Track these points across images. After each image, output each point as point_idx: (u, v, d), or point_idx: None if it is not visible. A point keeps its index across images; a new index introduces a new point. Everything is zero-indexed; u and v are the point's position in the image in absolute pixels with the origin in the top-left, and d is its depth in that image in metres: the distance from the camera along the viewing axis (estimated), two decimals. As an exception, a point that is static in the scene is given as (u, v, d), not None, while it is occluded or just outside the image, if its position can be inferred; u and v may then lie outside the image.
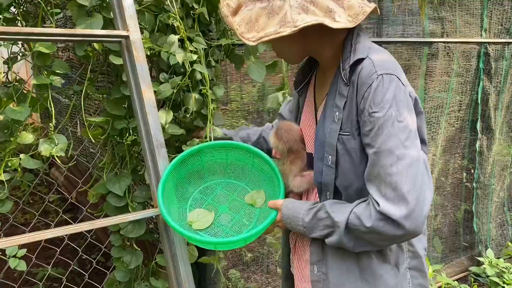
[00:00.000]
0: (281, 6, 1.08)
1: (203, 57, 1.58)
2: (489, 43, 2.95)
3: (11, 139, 1.63)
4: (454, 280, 3.00)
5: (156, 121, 1.45)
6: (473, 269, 3.14)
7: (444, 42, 2.72)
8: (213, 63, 1.67)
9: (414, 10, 2.51)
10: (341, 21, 1.08)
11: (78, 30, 1.40)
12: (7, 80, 1.66)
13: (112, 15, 1.52)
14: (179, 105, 1.68)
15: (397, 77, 1.07)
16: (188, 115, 1.62)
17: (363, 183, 1.13)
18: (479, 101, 3.07)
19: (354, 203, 1.14)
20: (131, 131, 1.73)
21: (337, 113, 1.17)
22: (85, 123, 1.70)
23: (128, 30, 1.42)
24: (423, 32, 2.64)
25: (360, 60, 1.12)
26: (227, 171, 1.53)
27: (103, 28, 1.53)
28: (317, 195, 1.30)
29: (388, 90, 1.06)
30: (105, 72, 1.75)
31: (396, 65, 1.13)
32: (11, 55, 1.66)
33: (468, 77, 2.99)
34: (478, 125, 3.10)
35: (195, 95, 1.61)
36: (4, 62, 1.67)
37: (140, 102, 1.46)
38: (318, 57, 1.29)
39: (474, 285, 2.98)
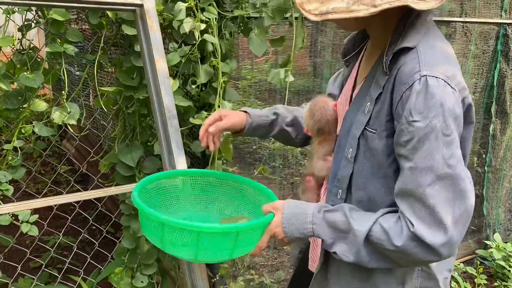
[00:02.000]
0: None
1: (215, 28, 1.56)
2: (508, 24, 2.88)
3: (25, 106, 1.64)
4: (460, 263, 3.01)
5: (168, 91, 1.45)
6: (480, 252, 3.14)
7: (462, 22, 2.66)
8: (226, 36, 1.65)
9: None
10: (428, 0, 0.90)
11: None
12: (21, 48, 1.66)
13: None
14: (190, 77, 1.68)
15: (446, 81, 0.90)
16: (195, 87, 1.61)
17: (378, 192, 1.02)
18: (494, 84, 3.02)
19: (379, 213, 0.99)
20: (140, 101, 1.73)
21: (369, 103, 1.02)
22: (98, 93, 1.71)
23: (142, -2, 1.41)
24: (441, 11, 2.58)
25: (407, 49, 0.95)
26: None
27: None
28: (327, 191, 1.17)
29: (434, 95, 0.89)
30: (118, 43, 1.74)
31: (450, 63, 0.95)
32: (25, 22, 1.66)
33: (485, 59, 2.93)
34: (493, 109, 3.05)
35: (205, 67, 1.59)
36: (19, 29, 1.67)
37: (153, 72, 1.45)
38: (370, 31, 1.11)
39: (480, 267, 2.98)
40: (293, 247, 1.50)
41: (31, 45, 1.67)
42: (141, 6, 1.40)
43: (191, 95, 1.72)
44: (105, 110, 1.73)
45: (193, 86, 1.63)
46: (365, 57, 1.16)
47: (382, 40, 1.03)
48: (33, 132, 1.65)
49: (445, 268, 1.10)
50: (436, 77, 0.90)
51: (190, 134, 1.85)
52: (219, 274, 1.98)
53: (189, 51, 1.56)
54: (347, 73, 1.24)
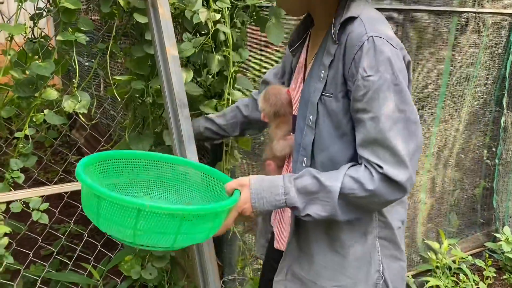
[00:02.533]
0: None
1: (227, 17, 1.56)
2: (522, 15, 2.84)
3: (36, 95, 1.65)
4: (468, 255, 3.00)
5: (179, 80, 1.45)
6: (489, 244, 3.13)
7: (475, 12, 2.62)
8: (238, 25, 1.65)
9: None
10: None
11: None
12: (32, 36, 1.66)
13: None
14: (202, 67, 1.67)
15: (388, 41, 1.05)
16: (211, 76, 1.61)
17: (339, 149, 1.13)
18: (506, 76, 2.99)
19: (344, 167, 1.10)
20: (152, 91, 1.73)
21: (323, 71, 1.14)
22: (110, 82, 1.71)
23: (154, -13, 1.40)
24: (453, 1, 2.55)
25: (352, 19, 1.09)
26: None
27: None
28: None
29: (382, 52, 1.03)
30: (129, 33, 1.74)
31: (387, 28, 1.10)
32: (37, 11, 1.66)
33: (497, 50, 2.90)
34: (504, 100, 3.02)
35: (218, 56, 1.59)
36: (30, 18, 1.67)
37: (164, 61, 1.45)
38: (314, 13, 1.24)
39: (488, 260, 2.97)
40: (258, 237, 1.53)
41: (43, 34, 1.68)
42: (152, -6, 1.40)
43: (201, 84, 1.72)
44: (118, 99, 1.73)
45: (209, 76, 1.63)
46: (311, 42, 1.30)
47: (327, 19, 1.17)
48: (44, 121, 1.66)
49: (397, 218, 1.23)
50: (380, 37, 1.04)
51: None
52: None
53: (203, 41, 1.56)
54: (294, 62, 1.36)
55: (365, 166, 1.06)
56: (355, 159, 1.12)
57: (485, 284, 2.83)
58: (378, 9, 2.27)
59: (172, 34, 1.43)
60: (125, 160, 1.22)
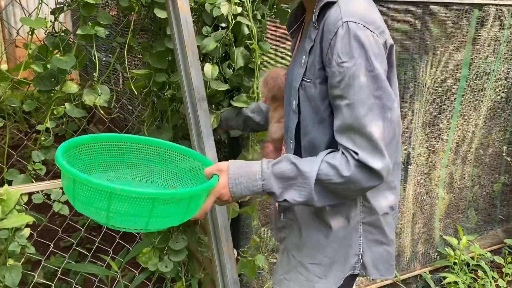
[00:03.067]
0: None
1: (250, 10, 1.56)
2: (544, 7, 2.78)
3: (56, 88, 1.67)
4: (487, 252, 2.96)
5: (198, 73, 1.45)
6: (508, 241, 3.08)
7: (496, 4, 2.57)
8: (258, 17, 1.65)
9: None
10: None
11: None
12: (53, 30, 1.68)
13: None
14: (223, 60, 1.68)
15: (364, 25, 1.03)
16: (233, 70, 1.62)
17: (318, 134, 1.14)
18: (528, 70, 2.93)
19: (321, 154, 1.10)
20: (172, 85, 1.74)
21: (304, 57, 1.15)
22: (128, 76, 1.73)
23: (173, -20, 1.41)
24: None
25: (330, 4, 1.09)
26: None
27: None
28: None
29: (356, 38, 1.02)
30: (147, 27, 1.75)
31: (368, 12, 1.08)
32: (58, 5, 1.68)
33: (518, 44, 2.84)
34: (525, 95, 2.96)
35: (241, 50, 1.59)
36: (51, 12, 1.70)
37: (183, 54, 1.46)
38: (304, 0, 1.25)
39: (508, 257, 2.93)
40: (272, 223, 1.54)
41: (63, 28, 1.70)
42: (171, -13, 1.41)
43: (225, 77, 1.72)
44: (135, 94, 1.75)
45: (229, 70, 1.64)
46: (305, 26, 1.29)
47: (312, 3, 1.15)
48: (65, 114, 1.68)
49: (385, 204, 1.23)
50: (355, 22, 1.03)
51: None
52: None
53: (224, 35, 1.56)
54: (292, 44, 1.37)
55: (342, 152, 1.07)
56: (334, 145, 1.12)
57: (504, 281, 2.79)
58: (396, 2, 2.27)
59: (191, 28, 1.43)
60: (113, 143, 1.23)
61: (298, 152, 1.23)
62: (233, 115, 1.66)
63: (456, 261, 2.76)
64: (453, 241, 2.82)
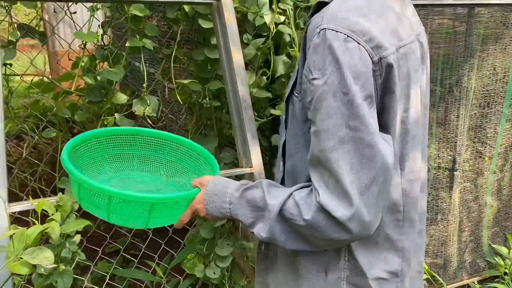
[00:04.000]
0: None
1: (292, 18, 1.57)
2: None
3: (106, 99, 1.73)
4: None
5: (244, 82, 1.47)
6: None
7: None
8: (301, 25, 1.66)
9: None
10: None
11: (171, -8, 1.44)
12: (102, 43, 1.75)
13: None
14: (257, 69, 1.70)
15: (349, 35, 0.81)
16: (275, 78, 1.64)
17: (300, 159, 0.96)
18: None
19: (294, 187, 0.93)
20: (217, 93, 1.77)
21: (297, 66, 0.96)
22: (173, 86, 1.77)
23: (219, -8, 1.43)
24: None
25: (324, 4, 0.90)
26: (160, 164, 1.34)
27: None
28: None
29: (331, 50, 0.81)
30: (192, 37, 1.79)
31: (367, 18, 0.84)
32: (106, 19, 1.75)
33: None
34: None
35: (282, 58, 1.60)
36: (100, 26, 1.76)
37: (229, 64, 1.48)
38: None
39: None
40: None
41: (112, 41, 1.76)
42: (218, 0, 1.43)
43: (268, 85, 1.74)
44: (179, 103, 1.79)
45: (270, 78, 1.66)
46: None
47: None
48: (114, 124, 1.74)
49: (379, 266, 0.96)
50: (336, 31, 0.81)
51: (266, 126, 1.87)
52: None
53: (264, 43, 1.58)
54: None
55: (311, 190, 0.88)
56: None
57: (559, 292, 2.66)
58: (441, 5, 2.22)
59: (237, 38, 1.46)
60: (120, 136, 1.29)
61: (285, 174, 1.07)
62: None
63: (507, 271, 2.66)
64: (503, 250, 2.71)
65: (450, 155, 2.52)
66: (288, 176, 1.03)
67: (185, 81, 1.72)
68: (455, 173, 2.54)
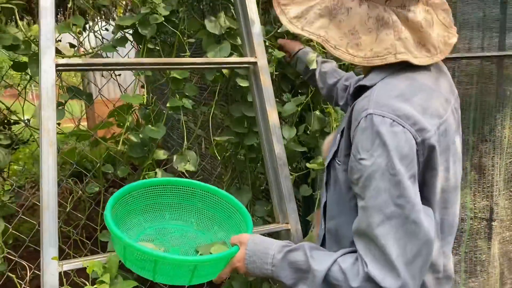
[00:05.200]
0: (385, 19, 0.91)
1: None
2: None
3: (148, 155, 1.82)
4: None
5: (279, 140, 1.53)
6: None
7: None
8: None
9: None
10: (420, 56, 0.95)
11: (212, 59, 1.55)
12: (144, 103, 1.86)
13: (239, 41, 1.65)
14: (299, 123, 1.77)
15: (395, 120, 0.89)
16: (309, 133, 1.70)
17: (343, 223, 1.01)
18: None
19: (338, 253, 0.98)
20: (251, 148, 1.84)
21: (339, 135, 1.05)
22: (210, 140, 1.85)
23: (256, 57, 1.52)
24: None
25: (365, 88, 0.98)
26: (191, 215, 1.40)
27: (229, 53, 1.68)
28: None
29: (379, 134, 0.88)
30: (229, 93, 1.89)
31: (410, 103, 0.91)
32: (147, 80, 1.87)
33: None
34: None
35: (317, 114, 1.67)
36: (142, 87, 1.88)
37: (264, 122, 1.55)
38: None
39: None
40: None
41: (153, 100, 1.87)
42: (255, 63, 1.52)
43: (298, 140, 1.80)
44: (216, 157, 1.86)
45: (305, 132, 1.73)
46: None
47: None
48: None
49: None
50: (382, 116, 0.89)
51: (298, 177, 1.92)
52: None
53: (304, 100, 1.67)
54: None
55: (357, 258, 0.94)
56: None
57: None
58: (469, 57, 2.26)
59: (272, 99, 1.53)
60: (151, 188, 1.35)
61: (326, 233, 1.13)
62: (304, 65, 1.62)
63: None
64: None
65: (487, 205, 2.47)
66: (331, 236, 1.09)
67: (223, 138, 1.79)
68: (493, 223, 2.48)
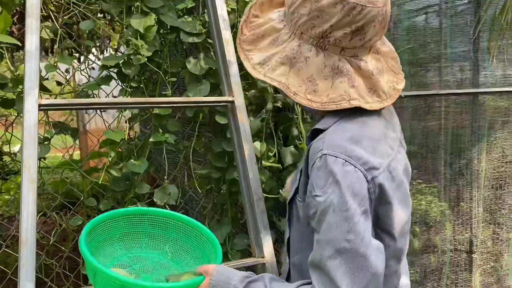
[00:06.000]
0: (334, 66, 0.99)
1: (299, 114, 1.72)
2: None
3: (130, 188, 1.87)
4: None
5: (256, 177, 1.58)
6: None
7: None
8: (308, 119, 1.80)
9: (513, 59, 2.46)
10: (372, 101, 1.01)
11: (192, 98, 1.63)
12: (128, 138, 1.92)
13: (219, 80, 1.73)
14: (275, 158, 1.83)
15: (347, 160, 0.95)
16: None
17: (306, 257, 1.05)
18: None
19: (295, 284, 1.03)
20: (232, 181, 1.89)
21: (298, 175, 1.10)
22: (192, 174, 1.90)
23: (233, 96, 1.60)
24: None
25: (319, 131, 1.04)
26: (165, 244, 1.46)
27: (210, 91, 1.75)
28: None
29: (332, 172, 0.94)
30: (210, 129, 1.96)
31: (359, 145, 0.98)
32: (132, 115, 1.94)
33: None
34: None
35: (290, 149, 1.74)
36: (127, 122, 1.95)
37: (241, 158, 1.60)
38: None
39: None
40: None
41: (137, 135, 1.93)
42: (232, 102, 1.59)
43: (275, 174, 1.86)
44: (199, 191, 1.91)
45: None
46: None
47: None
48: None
49: None
50: (335, 156, 0.95)
51: (277, 209, 1.97)
52: None
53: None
54: None
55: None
56: None
57: None
58: (443, 95, 2.36)
59: (249, 136, 1.59)
60: (129, 216, 1.40)
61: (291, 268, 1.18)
62: None
63: None
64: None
65: (467, 237, 2.52)
66: (294, 270, 1.14)
67: (203, 171, 1.85)
68: (473, 255, 2.52)
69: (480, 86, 2.45)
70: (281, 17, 1.05)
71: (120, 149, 1.89)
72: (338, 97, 0.99)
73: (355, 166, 0.95)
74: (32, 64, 1.34)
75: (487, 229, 2.59)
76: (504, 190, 2.57)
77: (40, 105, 1.33)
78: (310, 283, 1.00)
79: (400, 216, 1.04)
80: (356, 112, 1.02)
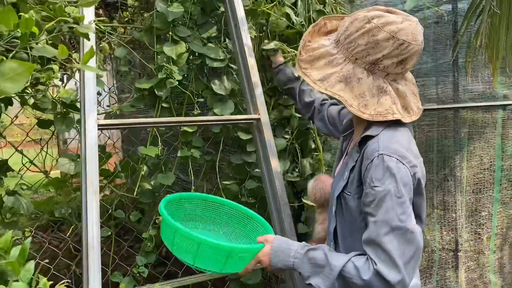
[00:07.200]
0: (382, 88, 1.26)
1: (316, 130, 1.94)
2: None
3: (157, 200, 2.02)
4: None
5: (281, 184, 1.79)
6: None
7: (517, 104, 2.93)
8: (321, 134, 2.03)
9: (488, 78, 2.78)
10: (405, 116, 1.29)
11: (221, 117, 1.82)
12: (158, 153, 2.08)
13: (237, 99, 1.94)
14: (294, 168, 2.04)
15: (398, 159, 1.20)
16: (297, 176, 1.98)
17: (355, 239, 1.30)
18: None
19: (351, 254, 1.27)
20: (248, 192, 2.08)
21: (346, 173, 1.34)
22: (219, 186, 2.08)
23: (259, 114, 1.81)
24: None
25: (370, 137, 1.28)
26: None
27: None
28: None
29: (388, 168, 1.19)
30: (230, 143, 2.15)
31: (404, 148, 1.24)
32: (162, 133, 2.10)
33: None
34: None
35: (309, 161, 1.95)
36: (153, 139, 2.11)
37: (267, 169, 1.81)
38: (355, 123, 1.46)
39: None
40: None
41: (165, 152, 2.10)
42: (258, 120, 1.80)
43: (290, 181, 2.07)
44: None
45: (294, 175, 2.00)
46: (351, 143, 1.49)
47: (359, 131, 1.37)
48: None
49: None
50: (390, 156, 1.21)
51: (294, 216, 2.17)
52: None
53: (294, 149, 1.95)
54: (344, 146, 1.54)
55: (367, 259, 1.22)
56: None
57: None
58: (428, 110, 2.64)
59: (274, 149, 1.80)
60: (197, 200, 1.64)
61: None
62: (285, 77, 1.90)
63: None
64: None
65: (453, 238, 2.79)
66: (347, 252, 1.34)
67: (226, 182, 2.04)
68: (459, 253, 2.79)
69: (460, 101, 2.75)
70: (333, 44, 1.32)
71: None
72: (384, 111, 1.26)
73: (404, 164, 1.21)
74: (91, 90, 1.52)
75: (470, 230, 2.87)
76: (483, 194, 2.87)
77: (99, 125, 1.50)
78: (363, 255, 1.24)
79: (425, 206, 1.34)
80: (395, 123, 1.30)
